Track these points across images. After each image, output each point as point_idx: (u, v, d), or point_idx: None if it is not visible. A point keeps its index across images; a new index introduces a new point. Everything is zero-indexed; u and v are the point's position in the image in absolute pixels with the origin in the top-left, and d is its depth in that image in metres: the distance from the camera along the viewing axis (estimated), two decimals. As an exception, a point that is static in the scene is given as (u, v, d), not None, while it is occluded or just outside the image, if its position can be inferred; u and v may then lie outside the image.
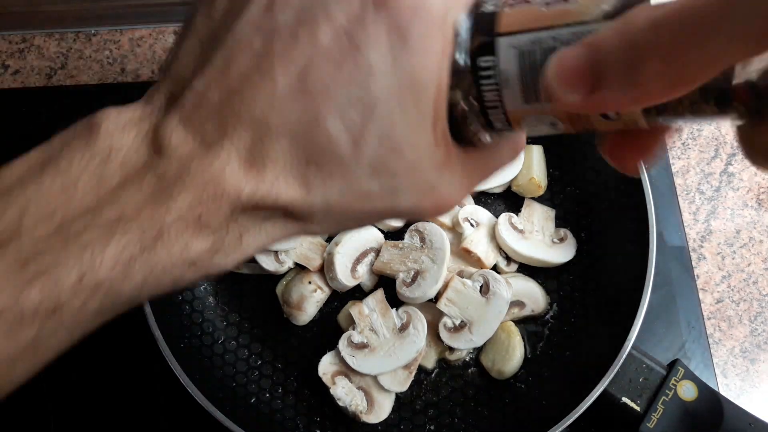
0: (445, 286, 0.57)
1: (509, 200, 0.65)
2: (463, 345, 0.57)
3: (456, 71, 0.23)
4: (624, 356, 0.51)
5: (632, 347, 0.52)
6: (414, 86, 0.22)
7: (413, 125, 0.23)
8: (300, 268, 0.60)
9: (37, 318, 0.21)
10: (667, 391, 0.53)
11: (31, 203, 0.21)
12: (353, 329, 0.57)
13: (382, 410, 0.56)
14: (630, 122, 0.22)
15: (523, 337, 0.60)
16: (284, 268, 0.59)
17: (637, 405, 0.53)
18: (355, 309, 0.57)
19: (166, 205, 0.22)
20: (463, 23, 0.23)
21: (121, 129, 0.23)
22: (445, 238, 0.58)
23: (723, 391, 0.63)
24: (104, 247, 0.21)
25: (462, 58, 0.23)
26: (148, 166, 0.22)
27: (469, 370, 0.60)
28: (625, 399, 0.53)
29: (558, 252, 0.62)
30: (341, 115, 0.22)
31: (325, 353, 0.57)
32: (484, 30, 0.23)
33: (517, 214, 0.63)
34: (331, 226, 0.25)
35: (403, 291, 0.57)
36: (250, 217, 0.23)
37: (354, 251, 0.59)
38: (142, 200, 0.22)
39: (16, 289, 0.21)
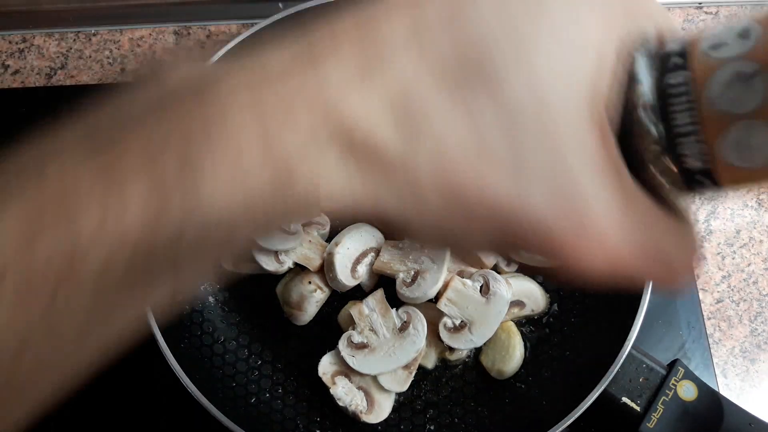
0: (445, 286, 0.57)
1: (509, 200, 0.65)
2: (463, 345, 0.57)
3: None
4: (624, 356, 0.51)
5: (632, 347, 0.52)
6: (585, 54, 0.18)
7: (574, 88, 0.18)
8: (300, 268, 0.60)
9: (48, 279, 0.17)
10: (667, 391, 0.53)
11: None
12: (353, 329, 0.57)
13: (382, 410, 0.56)
14: None
15: (523, 337, 0.60)
16: (284, 268, 0.59)
17: (637, 405, 0.53)
18: (355, 309, 0.57)
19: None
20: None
21: None
22: (445, 238, 0.58)
23: (723, 391, 0.63)
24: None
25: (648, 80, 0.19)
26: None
27: (469, 370, 0.60)
28: (625, 399, 0.53)
29: (558, 252, 0.62)
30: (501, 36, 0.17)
31: (325, 353, 0.57)
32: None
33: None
34: (427, 208, 0.18)
35: (403, 291, 0.57)
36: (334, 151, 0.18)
37: (354, 251, 0.59)
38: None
39: (24, 239, 0.17)
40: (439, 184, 0.18)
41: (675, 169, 0.19)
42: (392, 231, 0.20)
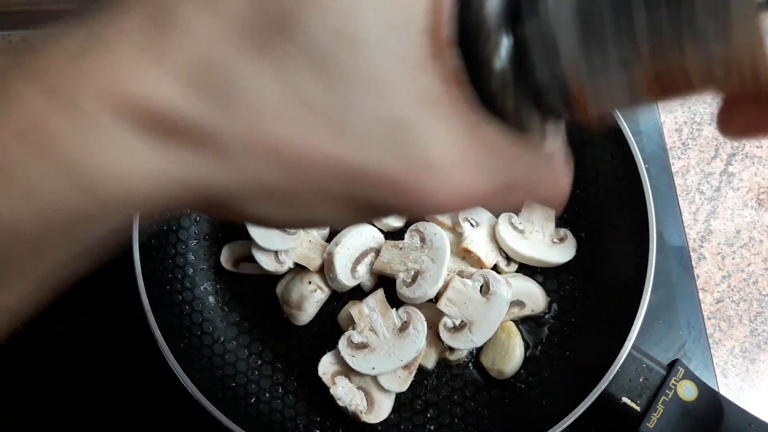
0: (446, 286, 0.57)
1: (509, 200, 0.65)
2: (463, 345, 0.57)
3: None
4: (624, 356, 0.51)
5: (632, 347, 0.52)
6: None
7: (391, 20, 0.16)
8: (300, 268, 0.60)
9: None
10: (667, 391, 0.53)
11: None
12: (353, 329, 0.57)
13: (382, 410, 0.56)
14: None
15: (523, 337, 0.60)
16: (284, 268, 0.59)
17: (637, 405, 0.53)
18: (355, 309, 0.57)
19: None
20: None
21: None
22: (445, 238, 0.58)
23: (723, 391, 0.63)
24: None
25: None
26: None
27: (469, 370, 0.60)
28: (625, 399, 0.53)
29: (558, 252, 0.62)
30: None
31: (325, 353, 0.57)
32: None
33: (517, 214, 0.63)
34: (259, 182, 0.17)
35: (403, 291, 0.57)
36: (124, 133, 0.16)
37: (354, 251, 0.59)
38: None
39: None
40: (266, 152, 0.16)
41: (524, 85, 0.17)
42: (236, 216, 0.18)
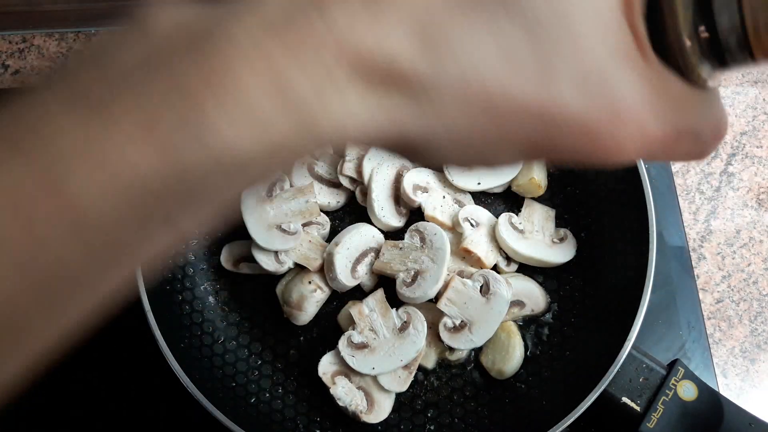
0: (446, 286, 0.57)
1: (509, 200, 0.65)
2: (463, 345, 0.57)
3: None
4: (624, 356, 0.51)
5: (632, 347, 0.52)
6: None
7: None
8: (300, 268, 0.60)
9: (50, 226, 0.17)
10: (667, 391, 0.53)
11: None
12: (353, 329, 0.57)
13: (382, 410, 0.56)
14: None
15: (523, 337, 0.60)
16: (284, 268, 0.59)
17: (637, 405, 0.53)
18: (355, 309, 0.57)
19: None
20: None
21: None
22: (445, 238, 0.58)
23: (723, 391, 0.63)
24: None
25: None
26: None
27: (469, 370, 0.60)
28: (625, 399, 0.53)
29: (558, 252, 0.62)
30: None
31: (325, 353, 0.57)
32: None
33: (517, 214, 0.63)
34: (457, 127, 0.19)
35: (403, 291, 0.57)
36: (349, 80, 0.18)
37: (354, 251, 0.59)
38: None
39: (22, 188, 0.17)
40: (469, 99, 0.18)
41: (706, 38, 0.19)
42: (422, 157, 0.20)
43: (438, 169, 0.64)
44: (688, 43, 0.19)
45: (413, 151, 0.20)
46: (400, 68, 0.18)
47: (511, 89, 0.18)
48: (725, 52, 0.19)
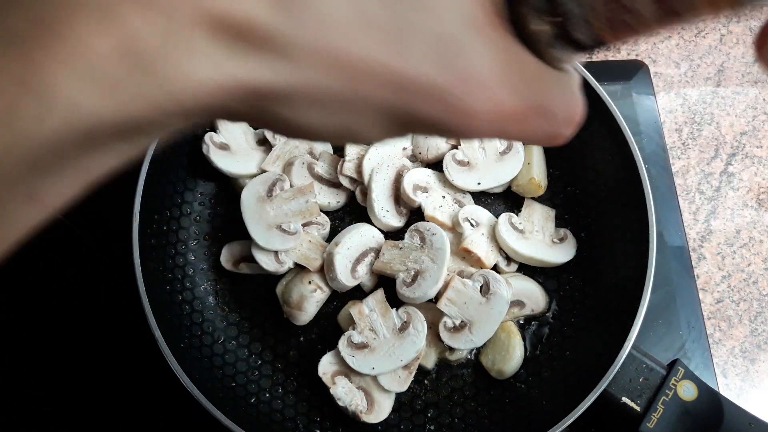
0: (446, 286, 0.57)
1: (509, 200, 0.65)
2: (463, 345, 0.57)
3: None
4: (624, 356, 0.52)
5: (632, 347, 0.52)
6: None
7: None
8: (300, 268, 0.60)
9: None
10: (667, 391, 0.53)
11: None
12: (353, 329, 0.57)
13: (382, 410, 0.56)
14: None
15: (523, 337, 0.60)
16: (284, 268, 0.59)
17: (637, 405, 0.53)
18: (355, 309, 0.57)
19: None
20: None
21: None
22: (445, 238, 0.58)
23: (723, 391, 0.63)
24: None
25: None
26: None
27: (469, 370, 0.60)
28: (625, 399, 0.53)
29: (558, 252, 0.62)
30: None
31: (325, 353, 0.57)
32: None
33: (517, 214, 0.63)
34: (313, 86, 0.19)
35: (403, 291, 0.57)
36: (199, 38, 0.18)
37: (354, 251, 0.59)
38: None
39: None
40: (323, 58, 0.18)
41: (554, 20, 0.19)
42: (283, 121, 0.20)
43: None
44: (538, 24, 0.20)
45: (273, 113, 0.20)
46: (255, 25, 0.18)
47: (364, 50, 0.18)
48: (572, 33, 0.20)
